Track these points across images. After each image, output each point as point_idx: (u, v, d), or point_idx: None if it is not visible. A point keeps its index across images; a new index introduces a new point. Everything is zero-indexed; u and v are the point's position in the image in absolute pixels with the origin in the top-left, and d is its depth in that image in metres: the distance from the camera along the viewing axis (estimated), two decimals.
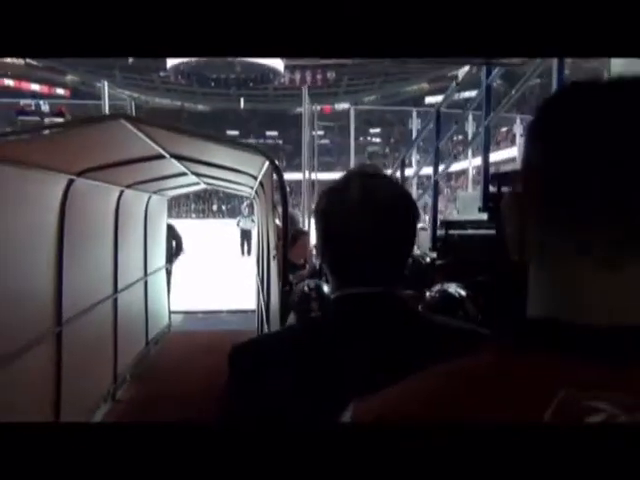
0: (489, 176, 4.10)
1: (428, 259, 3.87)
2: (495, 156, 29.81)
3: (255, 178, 3.77)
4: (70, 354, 3.84)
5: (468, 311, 2.21)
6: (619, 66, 3.11)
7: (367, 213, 0.93)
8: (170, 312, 8.04)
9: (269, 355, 0.98)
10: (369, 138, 50.64)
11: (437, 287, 2.40)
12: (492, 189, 4.25)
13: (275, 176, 2.47)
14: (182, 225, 18.06)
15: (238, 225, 17.95)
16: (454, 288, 2.25)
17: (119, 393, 5.20)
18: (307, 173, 9.92)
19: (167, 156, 3.65)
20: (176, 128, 2.86)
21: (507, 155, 25.22)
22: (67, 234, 3.75)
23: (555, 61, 3.23)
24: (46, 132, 2.67)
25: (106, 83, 8.32)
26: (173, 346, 7.22)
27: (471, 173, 14.37)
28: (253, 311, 7.00)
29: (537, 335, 0.45)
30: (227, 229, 21.41)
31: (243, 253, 17.28)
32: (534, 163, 0.49)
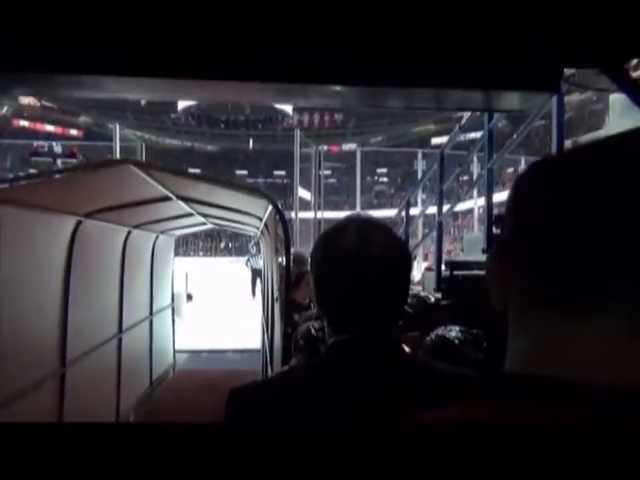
0: (493, 217, 4.12)
1: (433, 299, 3.86)
2: (501, 196, 29.95)
3: (260, 219, 3.82)
4: (73, 395, 3.82)
5: (468, 356, 2.19)
6: (617, 110, 3.16)
7: (362, 260, 0.95)
8: (175, 351, 8.00)
9: (264, 402, 0.99)
10: (376, 178, 51.03)
11: (437, 331, 2.38)
12: (496, 230, 4.27)
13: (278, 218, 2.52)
14: (189, 263, 18.12)
15: (247, 265, 16.37)
16: (455, 332, 2.23)
17: None
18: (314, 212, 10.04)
19: (174, 198, 3.72)
20: (182, 172, 2.93)
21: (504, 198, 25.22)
22: (74, 274, 3.80)
23: (555, 103, 3.28)
24: (57, 176, 2.73)
25: (117, 125, 8.52)
26: (177, 386, 7.16)
27: (477, 212, 14.44)
28: (258, 350, 6.96)
29: (504, 389, 0.47)
30: (234, 267, 21.43)
31: (254, 294, 15.18)
32: (508, 235, 0.51)
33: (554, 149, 3.36)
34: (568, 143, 3.56)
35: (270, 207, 2.64)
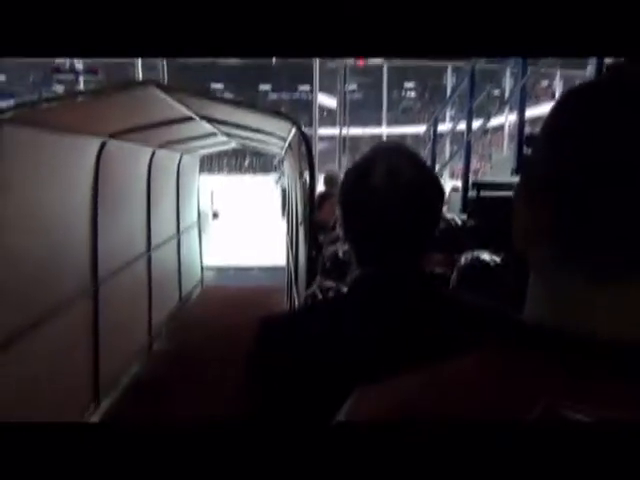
0: (524, 138, 3.99)
1: (459, 221, 3.83)
2: (533, 112, 28.91)
3: (284, 139, 3.76)
4: (106, 310, 3.99)
5: (503, 280, 2.18)
6: None
7: (390, 197, 0.93)
8: (202, 268, 8.20)
9: (293, 335, 1.00)
10: (403, 93, 49.39)
11: (469, 254, 2.36)
12: (527, 150, 4.15)
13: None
14: (214, 181, 18.22)
15: (277, 184, 16.13)
16: (488, 255, 2.21)
17: (155, 346, 5.40)
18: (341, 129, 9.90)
19: (197, 118, 3.67)
20: (205, 93, 2.85)
21: (546, 110, 24.35)
22: (101, 195, 3.84)
23: None
24: (79, 99, 2.70)
25: None
26: (205, 301, 7.41)
27: (507, 129, 14.00)
28: (284, 268, 7.09)
29: (526, 340, 0.46)
30: (259, 184, 21.45)
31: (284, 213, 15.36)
32: (541, 170, 0.48)
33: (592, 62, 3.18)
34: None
35: (294, 129, 2.58)
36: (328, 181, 5.56)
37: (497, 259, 2.24)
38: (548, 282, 0.47)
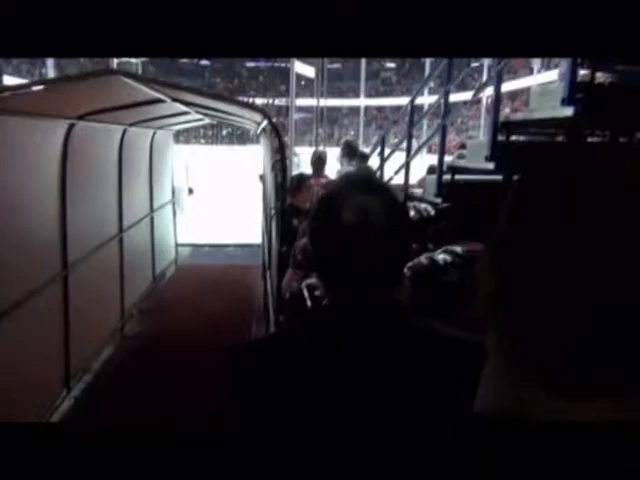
0: (498, 125, 3.99)
1: (432, 212, 3.84)
2: (512, 85, 29.03)
3: (258, 123, 3.70)
4: (77, 295, 3.94)
5: (450, 277, 2.30)
6: None
7: (361, 237, 0.94)
8: (177, 246, 8.12)
9: (266, 368, 1.01)
10: (382, 63, 49.01)
11: (426, 255, 2.48)
12: (501, 137, 4.16)
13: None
14: (190, 152, 17.95)
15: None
16: (442, 256, 2.34)
17: (127, 328, 5.37)
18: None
19: (168, 100, 3.58)
20: (176, 85, 2.78)
21: (524, 84, 24.62)
22: (70, 177, 3.75)
23: None
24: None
25: None
26: (180, 280, 7.36)
27: (485, 102, 14.05)
28: (259, 245, 7.05)
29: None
30: (237, 156, 21.19)
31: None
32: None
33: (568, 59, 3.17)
34: None
35: (265, 120, 2.53)
36: (315, 162, 5.48)
37: (448, 258, 2.35)
38: (501, 364, 0.47)
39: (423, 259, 2.40)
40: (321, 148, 7.69)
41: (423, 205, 3.79)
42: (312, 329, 1.03)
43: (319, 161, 5.42)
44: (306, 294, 2.22)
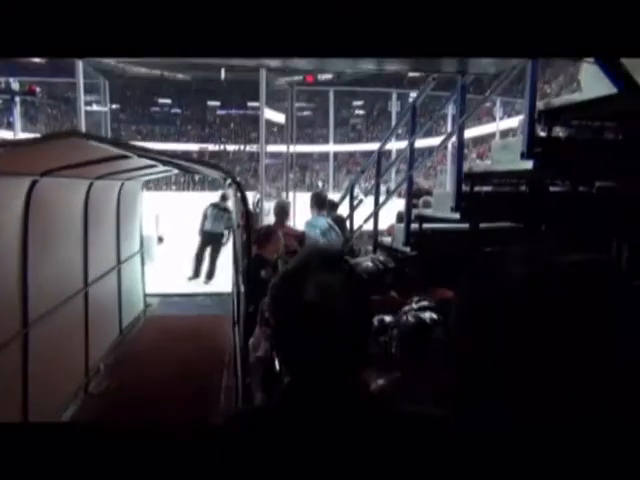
0: (462, 176, 4.08)
1: (392, 265, 3.86)
2: (478, 130, 30.04)
3: (225, 179, 3.71)
4: (38, 353, 3.80)
5: (436, 336, 2.28)
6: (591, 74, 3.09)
7: (322, 318, 0.93)
8: (145, 297, 7.97)
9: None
10: (352, 110, 50.24)
11: (411, 312, 2.46)
12: (465, 188, 4.25)
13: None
14: (161, 199, 17.82)
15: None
16: (429, 315, 2.34)
17: (92, 386, 5.18)
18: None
19: (134, 156, 3.58)
20: (132, 146, 2.79)
21: (488, 130, 25.53)
22: (32, 234, 3.68)
23: (529, 65, 3.19)
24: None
25: (81, 63, 8.09)
26: (148, 332, 7.19)
27: (450, 149, 14.45)
28: (229, 294, 6.96)
29: None
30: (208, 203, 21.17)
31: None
32: None
33: (526, 110, 3.29)
34: (540, 104, 3.48)
35: (229, 180, 2.54)
36: (278, 212, 5.52)
37: (434, 316, 2.33)
38: None
39: (410, 318, 2.38)
40: (285, 198, 7.72)
41: (381, 257, 3.82)
42: (263, 415, 1.00)
43: (282, 211, 5.48)
44: (276, 359, 2.19)
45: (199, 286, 9.47)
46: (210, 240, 9.78)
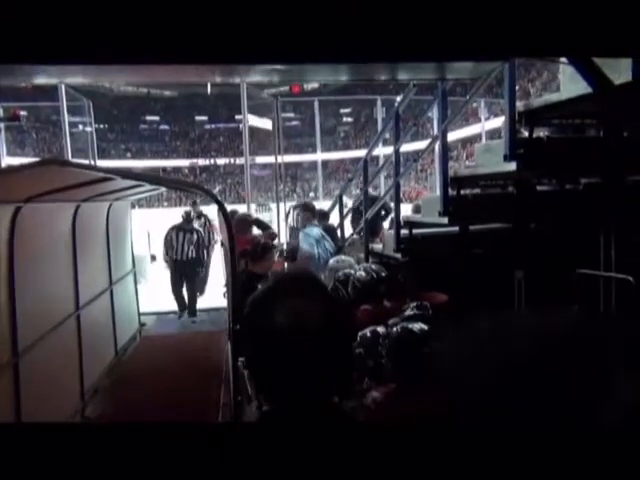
0: (448, 180, 4.09)
1: (383, 274, 3.86)
2: (465, 131, 30.27)
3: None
4: (30, 382, 3.76)
5: (429, 349, 2.25)
6: (568, 75, 3.11)
7: (294, 341, 0.91)
8: (140, 316, 7.92)
9: None
10: (340, 118, 50.47)
11: (400, 323, 2.46)
12: (452, 192, 4.26)
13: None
14: (153, 216, 17.74)
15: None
16: (418, 325, 2.32)
17: (88, 410, 5.13)
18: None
19: (117, 178, 3.57)
20: (104, 170, 2.78)
21: (475, 131, 25.80)
22: (18, 260, 3.65)
23: (507, 68, 3.21)
24: None
25: (63, 86, 8.07)
26: (144, 351, 7.13)
27: (437, 151, 14.55)
28: (225, 308, 6.93)
29: None
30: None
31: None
32: None
33: (506, 113, 3.31)
34: (520, 105, 3.50)
35: (213, 202, 2.54)
36: (239, 224, 5.65)
37: (425, 327, 2.32)
38: None
39: (399, 329, 2.36)
40: (243, 211, 7.70)
41: (374, 266, 3.81)
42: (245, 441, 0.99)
43: (244, 223, 5.68)
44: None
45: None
46: (184, 270, 8.40)
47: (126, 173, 3.08)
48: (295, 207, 8.21)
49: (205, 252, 8.73)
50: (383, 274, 3.63)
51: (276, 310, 0.92)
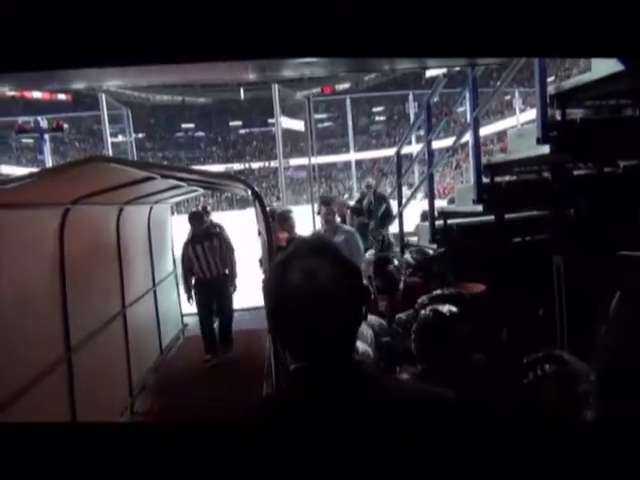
0: (481, 168, 4.08)
1: (431, 252, 3.89)
2: (500, 125, 29.65)
3: (246, 192, 3.81)
4: (83, 376, 3.93)
5: (461, 329, 2.23)
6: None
7: (308, 300, 0.96)
8: (182, 316, 8.12)
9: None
10: (372, 117, 50.23)
11: (430, 305, 2.43)
12: (486, 180, 4.24)
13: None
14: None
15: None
16: (447, 307, 2.29)
17: (137, 405, 5.31)
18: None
19: (158, 177, 3.70)
20: (147, 164, 2.88)
21: (509, 124, 25.19)
22: (69, 261, 3.82)
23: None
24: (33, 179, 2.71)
25: (103, 95, 8.38)
26: (188, 351, 7.31)
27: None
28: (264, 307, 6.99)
29: None
30: (238, 221, 21.31)
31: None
32: None
33: (538, 95, 3.28)
34: (552, 88, 3.47)
35: (249, 190, 2.63)
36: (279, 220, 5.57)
37: (454, 309, 2.31)
38: None
39: (428, 312, 2.35)
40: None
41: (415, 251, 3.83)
42: (272, 405, 1.05)
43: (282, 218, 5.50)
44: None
45: (236, 300, 9.52)
46: (211, 289, 6.49)
47: (165, 168, 3.18)
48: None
49: (232, 261, 6.77)
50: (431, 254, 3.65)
51: (291, 270, 0.98)
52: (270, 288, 1.02)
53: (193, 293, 6.59)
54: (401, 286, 3.72)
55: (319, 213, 5.99)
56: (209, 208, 8.43)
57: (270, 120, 49.04)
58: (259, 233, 5.80)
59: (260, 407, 1.12)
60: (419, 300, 2.77)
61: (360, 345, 2.37)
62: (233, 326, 7.03)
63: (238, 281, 6.96)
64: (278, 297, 1.00)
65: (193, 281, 6.53)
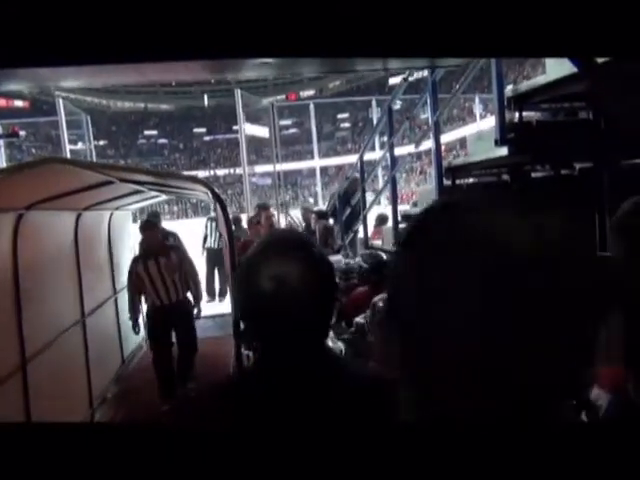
0: (442, 171, 4.14)
1: (385, 257, 3.91)
2: (461, 132, 30.26)
3: (208, 195, 3.76)
4: (38, 388, 3.80)
5: None
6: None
7: (278, 302, 0.96)
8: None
9: None
10: (337, 124, 50.61)
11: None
12: (446, 182, 4.30)
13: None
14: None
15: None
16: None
17: (97, 417, 5.16)
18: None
19: (116, 181, 3.62)
20: (104, 166, 2.82)
21: (471, 130, 25.75)
22: (23, 268, 3.70)
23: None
24: None
25: (61, 100, 8.18)
26: (150, 361, 7.15)
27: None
28: (230, 314, 6.93)
29: None
30: (202, 228, 21.14)
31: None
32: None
33: (495, 97, 3.35)
34: (509, 90, 3.55)
35: (209, 192, 2.59)
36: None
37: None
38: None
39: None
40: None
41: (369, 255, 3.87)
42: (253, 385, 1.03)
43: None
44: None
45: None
46: (170, 318, 5.44)
47: (125, 168, 3.12)
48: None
49: (195, 282, 5.76)
50: (381, 259, 3.69)
51: (259, 267, 0.97)
52: (237, 287, 1.01)
53: (143, 322, 5.70)
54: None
55: (255, 220, 5.92)
56: (160, 212, 8.20)
57: (234, 127, 48.88)
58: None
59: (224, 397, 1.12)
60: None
61: (331, 342, 2.39)
62: (199, 333, 6.24)
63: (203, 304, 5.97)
64: (246, 296, 0.99)
65: (144, 307, 5.58)
